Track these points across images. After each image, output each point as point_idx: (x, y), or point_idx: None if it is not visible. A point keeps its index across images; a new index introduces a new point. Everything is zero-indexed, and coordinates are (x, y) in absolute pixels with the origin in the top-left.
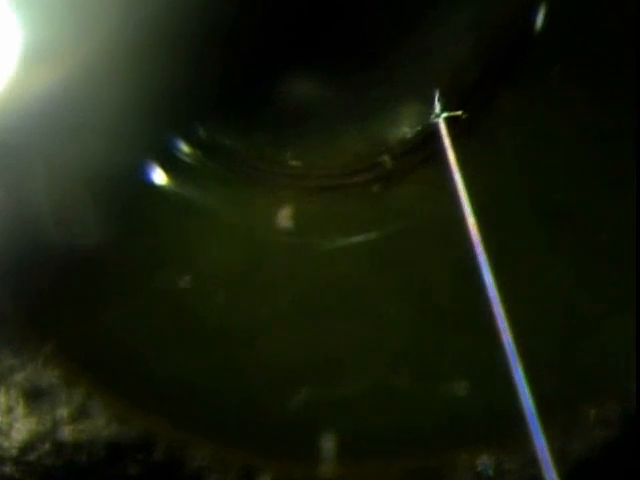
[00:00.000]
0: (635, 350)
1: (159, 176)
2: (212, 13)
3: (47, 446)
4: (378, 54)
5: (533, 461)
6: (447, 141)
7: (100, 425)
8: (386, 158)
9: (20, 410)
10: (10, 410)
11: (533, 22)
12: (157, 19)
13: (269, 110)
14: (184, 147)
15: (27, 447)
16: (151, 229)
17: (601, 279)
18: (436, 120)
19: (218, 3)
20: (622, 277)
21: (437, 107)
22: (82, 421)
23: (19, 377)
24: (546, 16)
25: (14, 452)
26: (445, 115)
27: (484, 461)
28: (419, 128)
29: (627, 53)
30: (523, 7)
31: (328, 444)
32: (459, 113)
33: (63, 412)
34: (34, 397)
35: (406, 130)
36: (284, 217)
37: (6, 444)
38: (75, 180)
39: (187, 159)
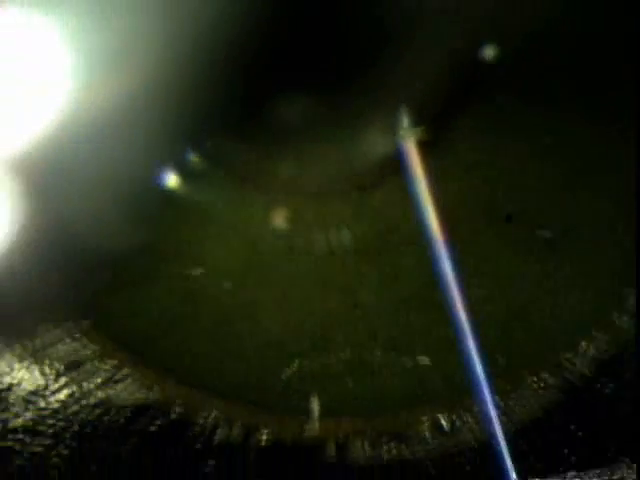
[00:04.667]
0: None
1: (176, 182)
2: (223, 47)
3: (81, 407)
4: (359, 85)
5: (483, 419)
6: (413, 154)
7: (127, 390)
8: (363, 169)
9: (60, 378)
10: (51, 377)
11: (486, 54)
12: (185, 56)
13: (267, 132)
14: (196, 159)
15: (64, 407)
16: (169, 226)
17: (540, 267)
18: (404, 137)
19: (229, 39)
20: (557, 266)
21: (405, 126)
22: (112, 387)
23: (61, 350)
24: (497, 49)
25: (53, 412)
26: (411, 133)
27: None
28: (391, 143)
29: (568, 80)
30: (478, 42)
31: (315, 405)
32: (423, 131)
33: (97, 380)
34: (73, 367)
35: (379, 145)
36: (278, 216)
37: (46, 405)
38: (109, 183)
39: (198, 169)
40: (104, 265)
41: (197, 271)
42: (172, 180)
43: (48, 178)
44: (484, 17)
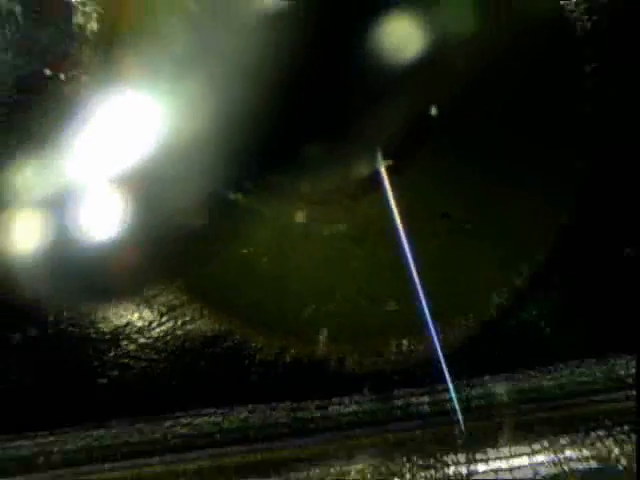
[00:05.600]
0: None
1: (235, 196)
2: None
3: (171, 334)
4: (349, 132)
5: (429, 341)
6: (385, 178)
7: (203, 325)
8: (352, 186)
9: (160, 318)
10: (153, 318)
11: (436, 109)
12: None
13: (290, 164)
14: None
15: (162, 337)
16: (231, 223)
17: (471, 258)
18: (379, 166)
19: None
20: (486, 257)
21: (380, 158)
22: (192, 322)
23: (160, 300)
24: (444, 104)
25: (154, 340)
26: (384, 163)
27: None
28: (369, 170)
29: (500, 123)
30: (430, 100)
31: (324, 334)
32: (391, 162)
33: (183, 319)
34: (168, 311)
35: (362, 171)
36: (298, 216)
37: (150, 335)
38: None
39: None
40: (189, 246)
41: (248, 250)
42: (232, 195)
43: (146, 189)
44: (432, 83)
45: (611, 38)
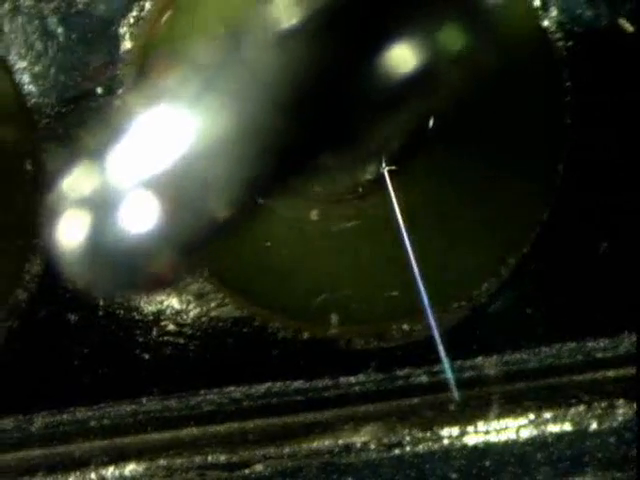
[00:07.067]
0: None
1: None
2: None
3: (199, 319)
4: (357, 143)
5: (427, 324)
6: (389, 180)
7: (226, 310)
8: (358, 188)
9: (188, 304)
10: (182, 302)
11: (431, 122)
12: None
13: (306, 169)
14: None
15: (193, 323)
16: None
17: (465, 250)
18: (383, 170)
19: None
20: (478, 249)
21: (383, 163)
22: (217, 308)
23: (189, 287)
24: (444, 116)
25: (184, 325)
26: (387, 168)
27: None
28: (374, 174)
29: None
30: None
31: (334, 317)
32: (394, 167)
33: (209, 306)
34: (197, 297)
35: (368, 174)
36: (313, 214)
37: (181, 320)
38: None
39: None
40: (217, 241)
41: (268, 244)
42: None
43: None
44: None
45: (591, 59)
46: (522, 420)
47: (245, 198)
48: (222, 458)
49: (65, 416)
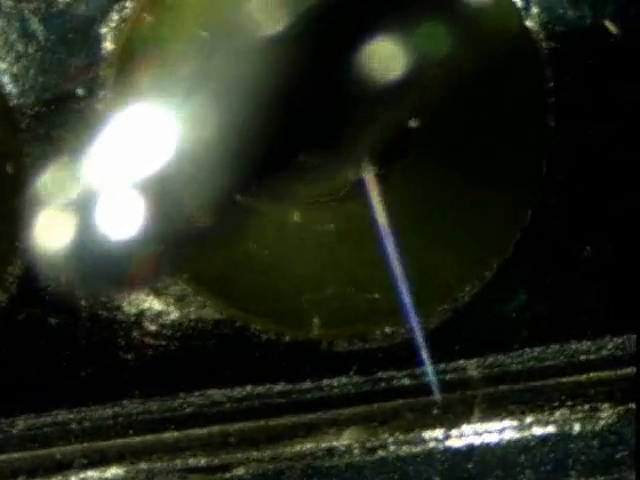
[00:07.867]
0: None
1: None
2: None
3: (179, 321)
4: (341, 145)
5: (409, 326)
6: (371, 183)
7: (205, 313)
8: (341, 190)
9: (169, 306)
10: (164, 305)
11: (414, 123)
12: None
13: (287, 171)
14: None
15: (173, 327)
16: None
17: (447, 253)
18: (364, 173)
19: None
20: (460, 252)
21: (365, 166)
22: (198, 310)
23: (171, 289)
24: (427, 118)
25: (163, 328)
26: (369, 170)
27: None
28: (356, 176)
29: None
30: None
31: (316, 319)
32: (375, 169)
33: (189, 308)
34: (178, 300)
35: (350, 177)
36: (294, 216)
37: (162, 321)
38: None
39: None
40: (196, 242)
41: (248, 246)
42: (235, 197)
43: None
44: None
45: (575, 59)
46: (505, 423)
47: (226, 199)
48: (203, 461)
49: (46, 419)
